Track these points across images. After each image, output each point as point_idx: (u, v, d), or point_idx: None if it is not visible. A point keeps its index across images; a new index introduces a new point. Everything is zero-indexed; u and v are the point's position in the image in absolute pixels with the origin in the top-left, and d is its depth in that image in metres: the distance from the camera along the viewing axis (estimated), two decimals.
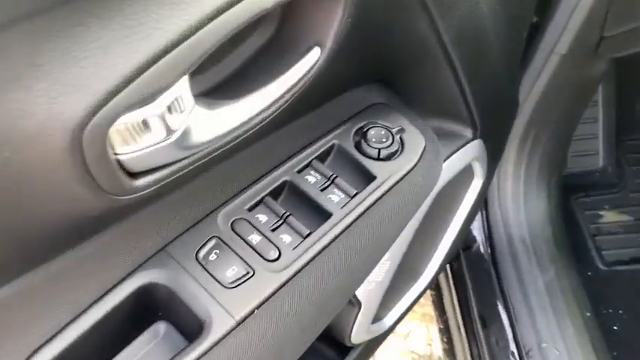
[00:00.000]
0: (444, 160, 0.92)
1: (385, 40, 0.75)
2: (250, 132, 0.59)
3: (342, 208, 0.72)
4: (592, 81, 1.52)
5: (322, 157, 0.78)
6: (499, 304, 1.43)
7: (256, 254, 0.66)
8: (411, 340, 1.90)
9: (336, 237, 0.71)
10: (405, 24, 0.73)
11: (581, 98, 1.56)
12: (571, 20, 1.26)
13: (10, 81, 0.40)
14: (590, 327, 1.41)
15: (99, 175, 0.47)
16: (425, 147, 0.82)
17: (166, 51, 0.44)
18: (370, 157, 0.78)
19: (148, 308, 0.63)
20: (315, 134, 0.78)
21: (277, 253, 0.67)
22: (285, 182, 0.74)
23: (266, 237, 0.68)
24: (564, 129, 1.55)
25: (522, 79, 1.37)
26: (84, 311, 0.58)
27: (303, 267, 0.68)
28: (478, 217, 1.54)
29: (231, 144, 0.58)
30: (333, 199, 0.73)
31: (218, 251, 0.66)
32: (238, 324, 0.62)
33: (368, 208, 0.74)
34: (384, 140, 0.79)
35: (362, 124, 0.81)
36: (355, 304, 1.03)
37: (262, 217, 0.70)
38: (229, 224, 0.68)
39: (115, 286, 0.61)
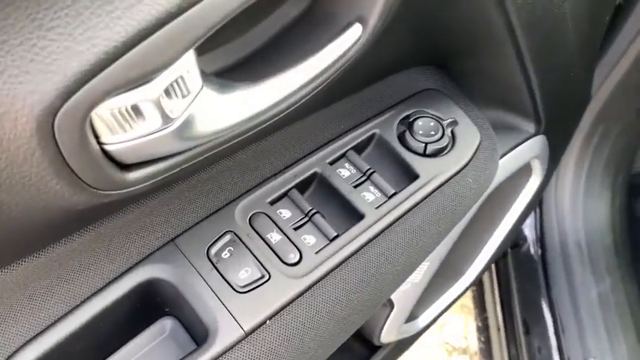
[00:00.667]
0: (501, 158, 0.81)
1: (442, 19, 0.65)
2: (271, 121, 0.50)
3: (376, 208, 0.64)
4: None
5: (360, 148, 0.69)
6: (545, 310, 1.32)
7: (274, 256, 0.59)
8: (447, 331, 1.82)
9: (368, 242, 0.62)
10: (468, 1, 0.62)
11: None
12: None
13: None
14: None
15: (79, 168, 0.39)
16: (480, 143, 0.71)
17: (162, 22, 0.35)
18: (415, 152, 0.68)
19: (153, 303, 0.58)
20: (353, 121, 0.69)
21: (298, 256, 0.59)
22: (314, 174, 0.65)
23: (287, 236, 0.60)
24: (638, 124, 1.40)
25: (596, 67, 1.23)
26: (81, 304, 0.53)
27: (326, 274, 0.60)
28: (531, 214, 1.42)
29: (247, 135, 0.49)
30: (367, 197, 0.64)
31: (232, 248, 0.59)
32: (247, 335, 0.55)
33: (407, 212, 0.65)
34: (432, 133, 0.69)
35: (409, 113, 0.71)
36: (387, 304, 0.95)
37: (285, 213, 0.62)
38: (247, 218, 0.61)
39: (116, 279, 0.55)
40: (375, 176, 0.66)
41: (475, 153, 0.71)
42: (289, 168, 0.65)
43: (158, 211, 0.58)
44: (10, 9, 0.32)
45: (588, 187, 1.40)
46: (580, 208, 1.38)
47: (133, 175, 0.44)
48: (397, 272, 0.64)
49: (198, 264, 0.57)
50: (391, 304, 0.95)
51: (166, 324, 0.60)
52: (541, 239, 1.38)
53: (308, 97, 0.53)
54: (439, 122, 0.70)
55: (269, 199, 0.62)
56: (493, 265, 1.53)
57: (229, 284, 0.56)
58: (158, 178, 0.46)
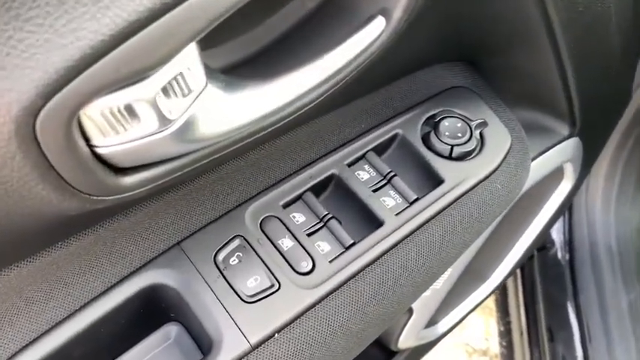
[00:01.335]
0: (532, 161, 0.76)
1: (473, 14, 0.60)
2: (282, 122, 0.46)
3: (396, 215, 0.59)
4: None
5: (380, 150, 0.64)
6: (572, 317, 1.26)
7: (285, 264, 0.55)
8: (468, 332, 1.77)
9: (386, 251, 0.58)
10: None
11: None
12: None
13: None
14: None
15: (67, 172, 0.35)
16: (510, 147, 0.66)
17: (157, 13, 0.31)
18: (440, 155, 0.64)
19: (158, 308, 0.55)
20: (374, 120, 0.65)
21: (311, 264, 0.56)
22: (331, 176, 0.61)
23: (300, 243, 0.56)
24: None
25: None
26: (81, 308, 0.50)
27: (340, 285, 0.56)
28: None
29: (255, 137, 0.45)
30: (387, 203, 0.60)
31: (241, 254, 0.55)
32: (254, 348, 0.52)
33: (429, 219, 0.60)
34: (459, 135, 0.64)
35: (434, 112, 0.66)
36: (406, 311, 0.91)
37: (299, 217, 0.59)
38: (258, 223, 0.57)
39: (118, 283, 0.52)
40: (396, 180, 0.62)
41: (505, 157, 0.66)
42: (304, 169, 0.61)
43: (164, 212, 0.55)
44: None
45: (621, 191, 1.33)
46: (612, 213, 1.32)
47: (129, 179, 0.40)
48: (417, 284, 0.60)
49: (204, 270, 0.53)
50: (410, 311, 0.91)
51: (171, 330, 0.57)
52: (570, 243, 1.32)
53: (324, 95, 0.49)
54: (467, 123, 0.66)
55: (282, 202, 0.58)
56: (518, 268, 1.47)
57: (236, 293, 0.53)
58: (157, 183, 0.42)
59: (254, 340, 0.51)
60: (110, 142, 0.36)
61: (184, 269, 0.53)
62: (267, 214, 0.58)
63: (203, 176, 0.56)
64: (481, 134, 0.66)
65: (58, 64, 0.29)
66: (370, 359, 1.05)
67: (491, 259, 1.01)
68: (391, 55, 0.53)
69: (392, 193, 0.61)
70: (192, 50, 0.36)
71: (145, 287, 0.52)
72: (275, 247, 0.56)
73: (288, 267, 0.55)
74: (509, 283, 1.55)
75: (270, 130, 0.46)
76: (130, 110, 0.35)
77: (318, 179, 0.60)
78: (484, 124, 0.66)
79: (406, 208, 0.60)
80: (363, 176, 0.62)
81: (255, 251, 0.55)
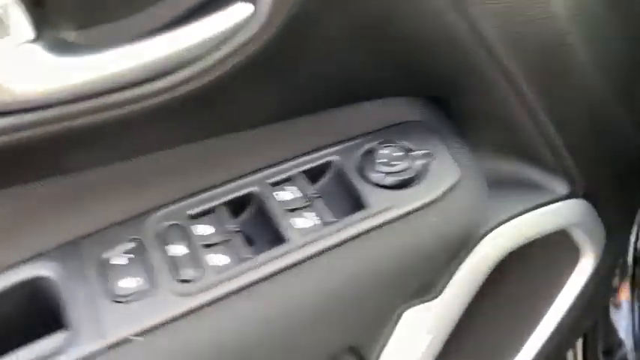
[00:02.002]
0: (515, 218, 0.67)
1: (405, 31, 0.57)
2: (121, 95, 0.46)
3: (303, 235, 0.55)
4: None
5: (314, 175, 0.61)
6: None
7: (171, 269, 0.53)
8: None
9: (282, 269, 0.54)
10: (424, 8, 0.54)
11: None
12: None
13: None
14: None
15: None
16: (457, 182, 0.60)
17: None
18: (370, 182, 0.60)
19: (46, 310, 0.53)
20: (312, 144, 0.63)
21: (197, 273, 0.53)
22: (250, 194, 0.59)
23: (192, 252, 0.54)
24: None
25: None
26: None
27: (221, 298, 0.52)
28: (627, 310, 1.14)
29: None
30: (297, 223, 0.57)
31: (133, 256, 0.54)
32: (109, 348, 0.49)
33: (342, 243, 0.56)
34: (394, 164, 0.60)
35: (377, 142, 0.63)
36: None
37: (206, 230, 0.57)
38: (160, 229, 0.56)
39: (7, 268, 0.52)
40: (318, 202, 0.58)
41: (448, 191, 0.60)
42: (226, 184, 0.60)
43: (67, 205, 0.56)
44: None
45: None
46: None
47: None
48: (316, 309, 0.55)
49: (89, 267, 0.53)
50: None
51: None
52: None
53: (199, 84, 0.48)
54: (406, 152, 0.61)
55: (191, 212, 0.57)
56: None
57: (110, 290, 0.51)
58: None
59: (110, 340, 0.49)
60: None
61: (73, 264, 0.53)
62: (172, 222, 0.57)
63: (116, 175, 0.57)
64: (425, 166, 0.61)
65: None
66: None
67: (497, 351, 0.87)
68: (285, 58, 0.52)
69: (310, 215, 0.58)
70: None
71: (29, 279, 0.52)
72: (166, 253, 0.54)
73: (171, 273, 0.53)
74: None
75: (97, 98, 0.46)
76: None
77: (235, 195, 0.59)
78: (429, 155, 0.61)
79: (316, 228, 0.56)
80: (285, 197, 0.59)
81: (147, 255, 0.54)
